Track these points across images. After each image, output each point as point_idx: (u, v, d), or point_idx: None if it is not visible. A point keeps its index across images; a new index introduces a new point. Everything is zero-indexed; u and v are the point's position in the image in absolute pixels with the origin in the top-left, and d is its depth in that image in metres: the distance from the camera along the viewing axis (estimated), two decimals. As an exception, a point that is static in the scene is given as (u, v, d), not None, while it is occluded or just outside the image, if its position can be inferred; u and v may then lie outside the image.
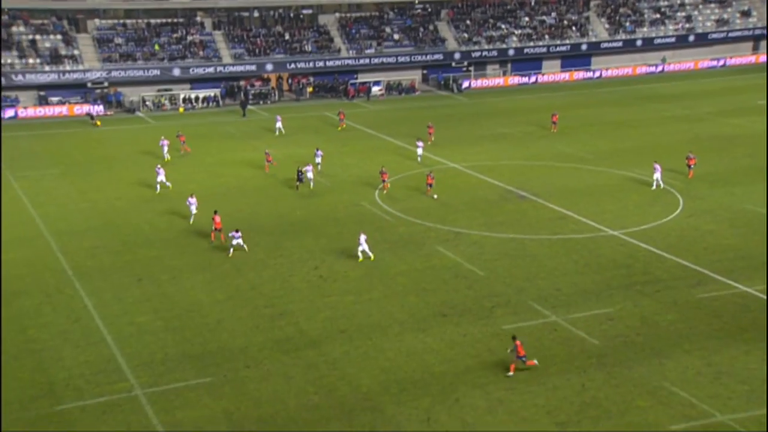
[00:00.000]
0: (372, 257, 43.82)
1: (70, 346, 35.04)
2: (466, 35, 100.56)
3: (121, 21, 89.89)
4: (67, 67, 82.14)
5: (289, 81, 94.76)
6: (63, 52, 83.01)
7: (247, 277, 42.29)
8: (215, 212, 46.47)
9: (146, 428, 29.45)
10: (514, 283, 41.31)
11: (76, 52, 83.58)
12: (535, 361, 32.48)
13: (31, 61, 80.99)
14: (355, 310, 38.64)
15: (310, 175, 56.50)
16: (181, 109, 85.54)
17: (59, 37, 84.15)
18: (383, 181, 55.82)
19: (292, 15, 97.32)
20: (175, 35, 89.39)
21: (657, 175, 55.54)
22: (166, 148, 64.26)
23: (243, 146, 69.82)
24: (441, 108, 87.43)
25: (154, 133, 73.99)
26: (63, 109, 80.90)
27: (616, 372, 32.54)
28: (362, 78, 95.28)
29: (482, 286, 41.33)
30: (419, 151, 63.65)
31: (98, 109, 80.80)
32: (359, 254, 43.87)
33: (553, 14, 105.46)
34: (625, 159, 63.95)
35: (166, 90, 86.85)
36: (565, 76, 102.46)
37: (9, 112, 78.65)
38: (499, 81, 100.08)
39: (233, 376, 32.89)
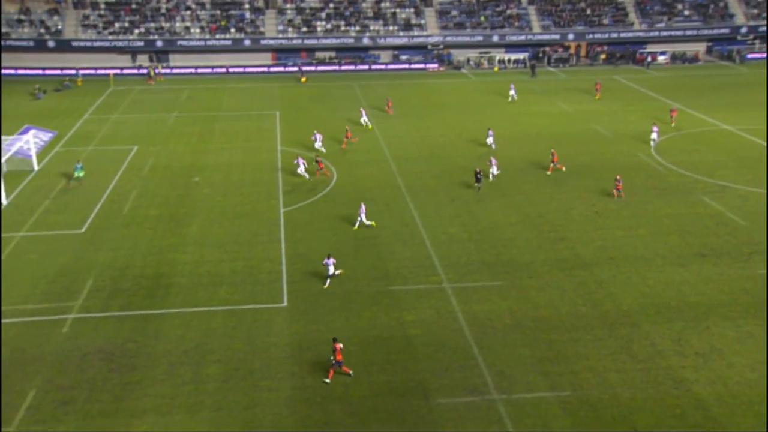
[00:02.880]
0: (373, 223, 38.83)
1: (400, 244, 37.26)
2: (755, 11, 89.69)
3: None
4: (415, 33, 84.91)
5: (587, 48, 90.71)
6: (413, 21, 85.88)
7: (536, 207, 42.04)
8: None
9: (450, 313, 30.85)
10: (770, 235, 37.32)
11: (422, 21, 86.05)
12: (351, 372, 26.56)
13: (390, 28, 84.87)
14: (624, 243, 37.15)
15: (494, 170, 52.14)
16: (495, 69, 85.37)
17: (412, 10, 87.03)
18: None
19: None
20: (497, 9, 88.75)
21: None
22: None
23: (543, 100, 68.42)
24: (720, 77, 79.25)
25: (474, 86, 74.89)
26: (407, 65, 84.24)
27: None
28: (650, 48, 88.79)
29: (742, 233, 37.81)
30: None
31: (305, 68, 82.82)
32: (357, 222, 38.66)
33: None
34: None
35: (485, 52, 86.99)
36: None
37: (374, 66, 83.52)
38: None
39: (518, 283, 33.25)
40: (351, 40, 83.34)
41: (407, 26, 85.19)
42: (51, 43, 79.15)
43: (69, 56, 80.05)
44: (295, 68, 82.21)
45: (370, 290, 32.60)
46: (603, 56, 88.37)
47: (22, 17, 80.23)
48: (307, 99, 69.34)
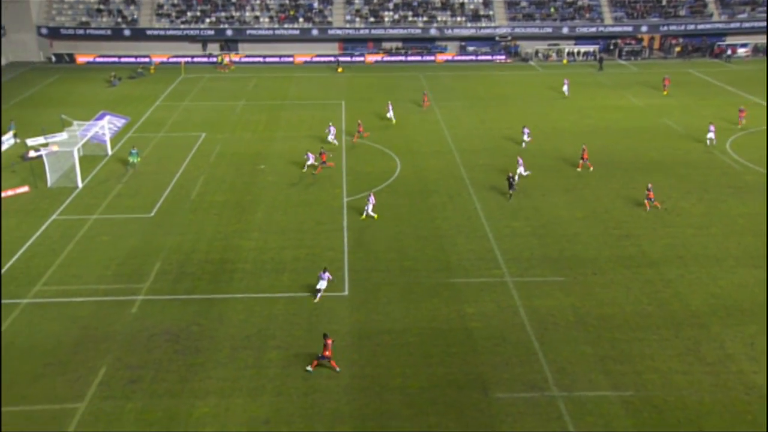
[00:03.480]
0: (376, 216, 38.77)
1: (462, 237, 37.06)
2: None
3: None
4: (483, 24, 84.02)
5: (661, 41, 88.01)
6: (481, 12, 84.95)
7: (603, 202, 41.16)
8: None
9: (511, 307, 30.54)
10: None
11: (491, 12, 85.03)
12: (338, 369, 26.47)
13: (458, 18, 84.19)
14: (694, 242, 36.03)
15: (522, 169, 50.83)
16: (564, 61, 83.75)
17: (481, 0, 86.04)
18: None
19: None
20: (568, 0, 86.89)
21: None
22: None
23: (612, 94, 66.85)
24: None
25: (542, 78, 73.69)
26: (473, 57, 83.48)
27: None
28: (729, 41, 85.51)
29: (819, 236, 36.19)
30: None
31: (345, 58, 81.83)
32: (371, 213, 38.84)
33: None
34: None
35: (554, 44, 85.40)
36: None
37: (441, 57, 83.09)
38: None
39: (582, 279, 32.66)
40: (418, 31, 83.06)
41: (475, 17, 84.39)
42: (127, 32, 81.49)
43: (143, 44, 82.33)
44: (362, 57, 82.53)
45: (431, 282, 32.55)
46: (678, 49, 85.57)
47: (101, 7, 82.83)
48: (373, 89, 69.51)
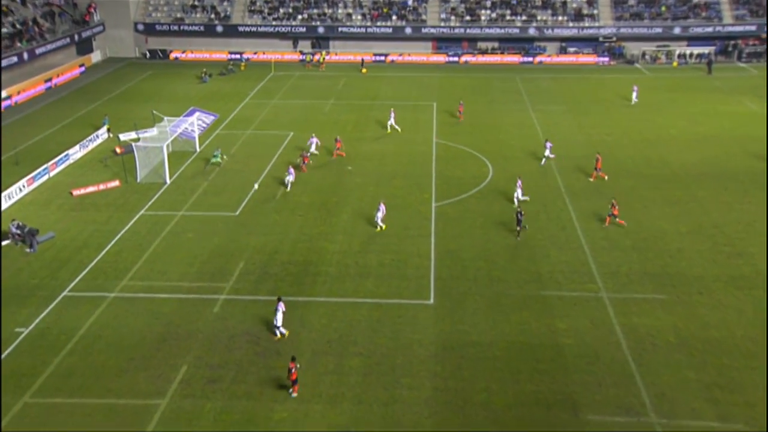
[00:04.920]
0: (383, 227, 38.22)
1: (556, 248, 36.40)
2: None
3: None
4: (586, 24, 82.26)
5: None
6: (585, 11, 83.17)
7: (711, 217, 39.56)
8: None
9: (606, 324, 29.75)
10: None
11: (595, 11, 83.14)
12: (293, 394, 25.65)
13: (560, 18, 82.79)
14: (815, 263, 34.12)
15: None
16: (674, 63, 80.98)
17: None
18: None
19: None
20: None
21: None
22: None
23: (728, 99, 64.17)
24: None
25: (648, 82, 71.53)
26: (573, 58, 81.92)
27: None
28: None
29: None
30: None
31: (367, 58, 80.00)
32: (380, 224, 38.33)
33: None
34: None
35: (663, 46, 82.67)
36: None
37: (538, 59, 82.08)
38: None
39: (686, 299, 31.49)
40: (516, 31, 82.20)
41: (578, 16, 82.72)
42: (219, 28, 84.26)
43: (234, 41, 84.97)
44: (455, 58, 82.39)
45: (521, 293, 32.11)
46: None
47: (196, 3, 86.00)
48: (466, 90, 69.27)
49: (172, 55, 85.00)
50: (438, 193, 43.36)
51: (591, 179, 45.14)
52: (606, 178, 45.05)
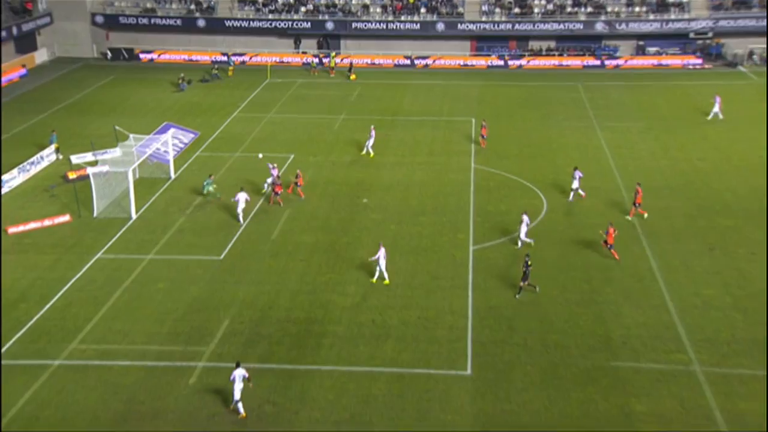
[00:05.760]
0: (386, 281, 38.38)
1: (630, 305, 36.24)
2: None
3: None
4: (672, 16, 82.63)
5: None
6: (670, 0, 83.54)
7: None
8: None
9: (701, 408, 29.48)
10: None
11: (684, 0, 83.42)
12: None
13: (636, 9, 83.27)
14: None
15: None
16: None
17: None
18: None
19: None
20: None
21: None
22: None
23: None
24: None
25: (757, 90, 71.55)
26: (654, 61, 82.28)
27: None
28: None
29: None
30: None
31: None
32: (384, 274, 38.59)
33: None
34: None
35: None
36: None
37: (608, 61, 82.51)
38: None
39: (804, 374, 31.19)
40: (579, 26, 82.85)
41: (661, 6, 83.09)
42: (201, 23, 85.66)
43: (220, 39, 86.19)
44: (500, 61, 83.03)
45: (585, 364, 31.99)
46: None
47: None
48: (514, 102, 69.73)
49: (141, 56, 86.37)
50: (477, 234, 43.49)
51: (629, 217, 45.09)
52: (646, 215, 45.00)
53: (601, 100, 70.10)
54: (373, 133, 56.70)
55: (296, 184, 48.87)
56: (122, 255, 41.75)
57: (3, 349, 33.46)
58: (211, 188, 48.64)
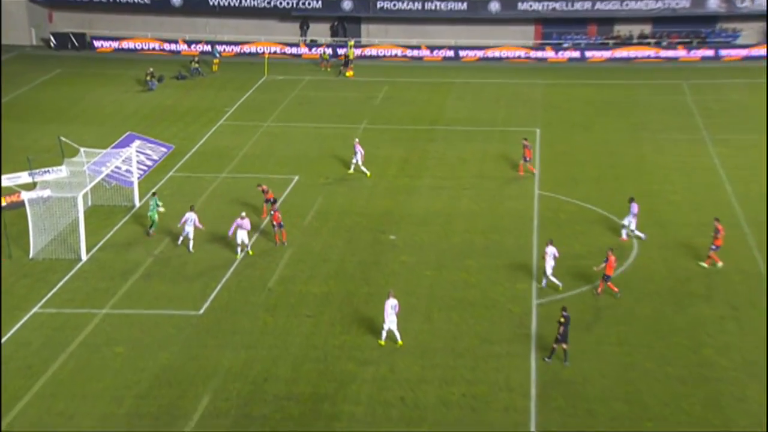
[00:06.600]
0: (400, 342, 38.39)
1: (756, 382, 35.67)
2: None
3: None
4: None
5: None
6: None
7: None
8: None
9: None
10: None
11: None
12: None
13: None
14: None
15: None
16: None
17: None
18: None
19: None
20: None
21: None
22: None
23: None
24: None
25: None
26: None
27: None
28: None
29: None
30: None
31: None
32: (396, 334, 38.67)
33: None
34: None
35: None
36: None
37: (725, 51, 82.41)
38: None
39: None
40: (685, 3, 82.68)
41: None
42: (176, 1, 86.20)
43: (201, 22, 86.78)
44: (575, 52, 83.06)
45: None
46: None
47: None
48: (593, 108, 69.62)
49: (96, 44, 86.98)
50: (539, 285, 43.29)
51: (704, 264, 44.82)
52: (720, 264, 44.62)
53: (714, 104, 70.03)
54: (358, 148, 56.89)
55: (273, 222, 47.49)
56: (67, 309, 41.73)
57: None
58: (156, 214, 48.07)
